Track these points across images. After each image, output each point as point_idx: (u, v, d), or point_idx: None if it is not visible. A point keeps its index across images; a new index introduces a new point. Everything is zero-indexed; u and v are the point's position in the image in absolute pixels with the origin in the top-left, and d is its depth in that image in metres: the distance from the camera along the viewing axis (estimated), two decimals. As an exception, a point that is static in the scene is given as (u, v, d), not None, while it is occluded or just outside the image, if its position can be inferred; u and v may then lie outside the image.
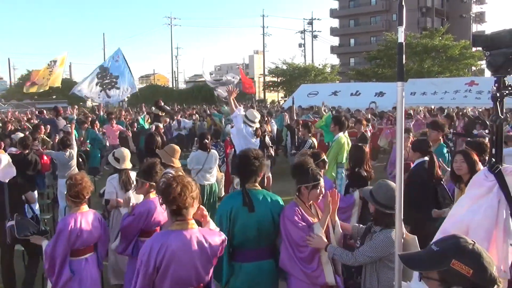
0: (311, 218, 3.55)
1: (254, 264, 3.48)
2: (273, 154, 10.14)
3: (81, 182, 3.97)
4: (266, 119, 13.78)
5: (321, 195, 3.59)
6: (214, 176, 7.27)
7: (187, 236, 2.75)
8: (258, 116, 7.02)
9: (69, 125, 11.45)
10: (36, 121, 14.33)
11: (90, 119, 14.19)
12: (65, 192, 4.11)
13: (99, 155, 12.22)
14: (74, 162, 8.32)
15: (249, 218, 3.43)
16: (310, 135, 9.04)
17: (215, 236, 2.93)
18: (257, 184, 3.64)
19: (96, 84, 16.10)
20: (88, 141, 12.21)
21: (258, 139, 6.99)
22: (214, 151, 7.40)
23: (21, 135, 9.07)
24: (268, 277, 3.54)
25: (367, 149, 5.63)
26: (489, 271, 1.66)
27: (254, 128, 6.87)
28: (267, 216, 3.50)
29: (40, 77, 16.85)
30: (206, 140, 7.14)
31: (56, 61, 16.80)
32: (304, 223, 3.46)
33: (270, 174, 10.27)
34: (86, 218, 3.99)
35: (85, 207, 4.08)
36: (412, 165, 5.63)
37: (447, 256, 1.69)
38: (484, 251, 1.71)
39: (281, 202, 3.66)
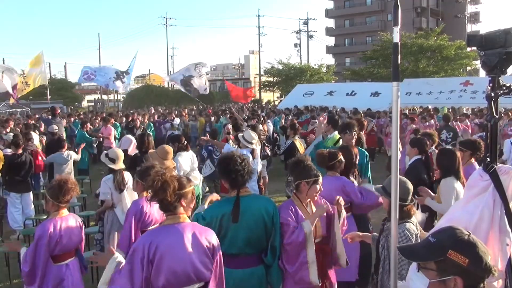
0: (305, 216, 3.57)
1: (244, 271, 3.43)
2: (269, 153, 10.14)
3: (74, 186, 3.86)
4: (262, 119, 13.79)
5: (319, 191, 3.62)
6: (198, 178, 7.20)
7: (179, 230, 2.71)
8: (256, 137, 6.98)
9: (55, 126, 11.44)
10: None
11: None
12: (49, 198, 3.85)
13: (87, 157, 12.04)
14: (71, 162, 8.43)
15: (240, 225, 3.37)
16: (294, 136, 8.89)
17: (209, 231, 2.89)
18: (247, 188, 3.57)
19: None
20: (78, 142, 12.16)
21: (256, 159, 6.95)
22: (192, 152, 7.39)
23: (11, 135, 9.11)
24: (257, 284, 3.50)
25: (355, 150, 5.58)
26: (485, 260, 1.72)
27: (251, 149, 6.82)
28: (259, 223, 3.45)
29: (19, 82, 17.08)
30: (185, 142, 7.15)
31: (27, 66, 17.11)
32: (294, 222, 3.49)
33: (266, 174, 10.28)
34: (66, 223, 3.84)
35: (65, 211, 3.93)
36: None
37: (443, 247, 1.74)
38: (479, 242, 1.77)
39: (273, 205, 3.60)
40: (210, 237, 2.84)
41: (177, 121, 17.31)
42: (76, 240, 3.93)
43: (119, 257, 2.83)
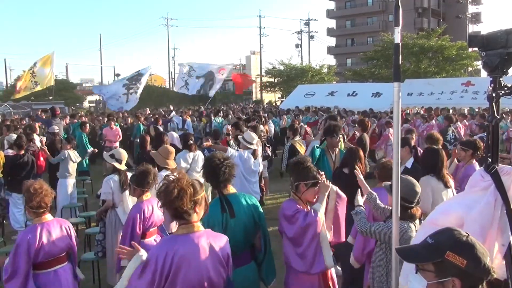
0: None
1: (241, 269, 3.45)
2: (270, 154, 10.12)
3: (41, 191, 3.68)
4: (264, 119, 13.77)
5: (317, 194, 3.65)
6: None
7: (194, 239, 2.62)
8: (256, 137, 7.00)
9: (55, 126, 11.44)
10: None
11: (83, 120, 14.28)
12: (25, 204, 3.78)
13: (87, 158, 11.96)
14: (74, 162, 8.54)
15: (236, 223, 3.43)
16: (293, 138, 8.80)
17: (222, 238, 2.80)
18: (231, 187, 3.64)
19: (123, 86, 18.97)
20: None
21: (257, 160, 6.95)
22: (200, 152, 7.44)
23: (15, 136, 9.11)
24: (253, 281, 3.56)
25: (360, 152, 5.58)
26: (483, 262, 1.71)
27: (252, 150, 6.83)
28: (250, 217, 3.54)
29: (24, 80, 16.82)
30: (190, 141, 7.24)
31: (36, 62, 16.82)
32: (303, 209, 3.55)
33: (267, 174, 10.29)
34: (48, 228, 3.70)
35: (48, 217, 3.78)
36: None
37: (441, 248, 1.74)
38: (477, 243, 1.76)
39: (256, 200, 3.72)
40: (224, 245, 2.76)
41: (188, 122, 17.16)
42: (62, 245, 3.78)
43: (144, 254, 2.71)
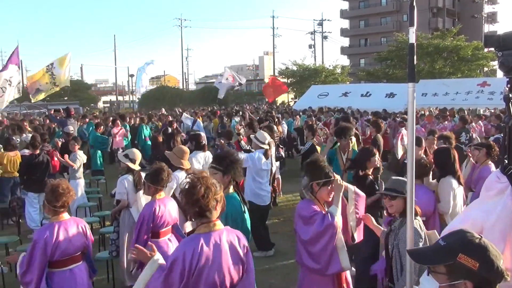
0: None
1: None
2: (283, 155, 10.09)
3: (68, 191, 3.76)
4: (277, 120, 13.75)
5: (332, 193, 3.64)
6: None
7: (216, 238, 2.64)
8: (268, 137, 7.01)
9: (70, 126, 11.56)
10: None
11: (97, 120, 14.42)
12: (44, 202, 3.82)
13: (101, 157, 12.06)
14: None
15: (247, 215, 3.61)
16: (312, 138, 8.73)
17: (239, 233, 2.82)
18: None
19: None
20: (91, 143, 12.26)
21: (269, 160, 6.96)
22: (209, 153, 7.48)
23: (29, 136, 9.27)
24: None
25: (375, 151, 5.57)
26: (496, 264, 1.69)
27: (264, 150, 6.84)
28: (248, 216, 3.69)
29: (43, 82, 16.90)
30: (203, 142, 7.29)
31: (53, 63, 16.95)
32: (320, 211, 3.55)
33: (279, 176, 10.27)
34: (65, 227, 3.73)
35: (65, 215, 3.83)
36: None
37: (453, 250, 1.72)
38: (490, 245, 1.73)
39: None
40: (243, 240, 2.79)
41: (199, 122, 17.21)
42: (78, 244, 3.82)
43: (160, 259, 2.72)
